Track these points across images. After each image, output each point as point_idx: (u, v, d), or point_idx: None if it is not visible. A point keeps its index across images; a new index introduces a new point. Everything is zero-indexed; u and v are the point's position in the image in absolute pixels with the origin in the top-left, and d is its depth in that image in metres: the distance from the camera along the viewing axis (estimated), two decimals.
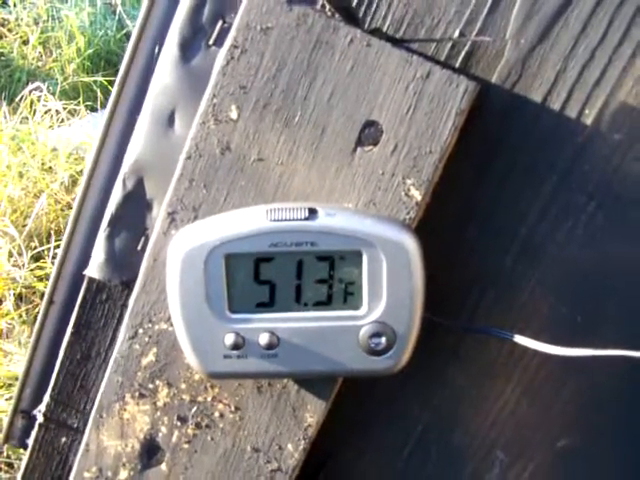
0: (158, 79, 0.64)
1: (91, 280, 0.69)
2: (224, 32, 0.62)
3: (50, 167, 2.12)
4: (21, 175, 2.03)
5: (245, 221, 0.53)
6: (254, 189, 0.57)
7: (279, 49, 0.54)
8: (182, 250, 0.53)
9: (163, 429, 0.62)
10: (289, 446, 0.61)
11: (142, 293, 0.60)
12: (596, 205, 0.61)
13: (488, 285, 0.63)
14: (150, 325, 0.60)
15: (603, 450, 0.68)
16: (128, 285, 0.67)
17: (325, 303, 0.55)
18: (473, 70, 0.60)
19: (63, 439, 0.73)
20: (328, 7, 0.57)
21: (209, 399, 0.61)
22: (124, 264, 0.67)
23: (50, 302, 0.76)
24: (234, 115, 0.56)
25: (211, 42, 0.63)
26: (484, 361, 0.66)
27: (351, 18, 0.58)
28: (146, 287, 0.59)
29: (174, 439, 0.62)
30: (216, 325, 0.54)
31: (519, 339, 0.57)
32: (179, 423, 0.62)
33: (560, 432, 0.68)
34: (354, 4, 0.59)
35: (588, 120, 0.60)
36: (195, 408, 0.61)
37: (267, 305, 0.55)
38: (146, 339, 0.60)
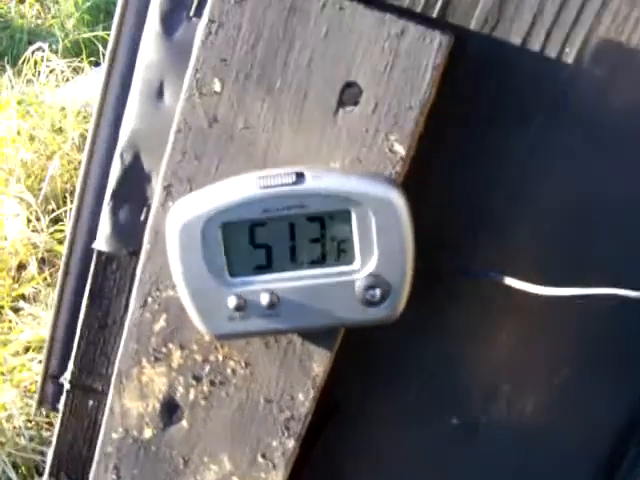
0: (143, 55, 0.65)
1: (100, 253, 0.72)
2: (203, 2, 0.63)
3: (60, 127, 2.13)
4: (32, 138, 2.06)
5: (237, 190, 0.55)
6: (244, 157, 0.59)
7: (255, 19, 0.55)
8: (179, 222, 0.56)
9: (180, 388, 0.66)
10: (300, 395, 0.65)
11: (147, 263, 0.62)
12: (582, 142, 0.62)
13: (481, 230, 0.65)
14: (158, 293, 0.63)
15: (597, 384, 0.71)
16: (136, 254, 0.70)
17: (320, 261, 0.57)
18: (450, 19, 0.60)
19: (90, 402, 0.78)
20: None
21: (220, 358, 0.64)
22: (129, 235, 0.70)
23: (66, 273, 0.79)
24: (218, 88, 0.57)
25: (192, 14, 0.64)
26: (482, 304, 0.68)
27: None
28: (151, 258, 0.62)
29: (191, 397, 0.66)
30: (218, 290, 0.57)
31: (511, 281, 0.59)
32: (194, 382, 0.65)
33: (556, 369, 0.71)
34: None
35: (569, 58, 0.60)
36: (208, 367, 0.65)
37: (265, 267, 0.57)
38: (155, 307, 0.63)
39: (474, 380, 0.72)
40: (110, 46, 0.67)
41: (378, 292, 0.57)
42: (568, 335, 0.69)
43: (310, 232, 0.56)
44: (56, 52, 2.49)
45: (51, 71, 2.35)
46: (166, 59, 0.64)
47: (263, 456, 0.67)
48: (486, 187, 0.64)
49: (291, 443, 0.66)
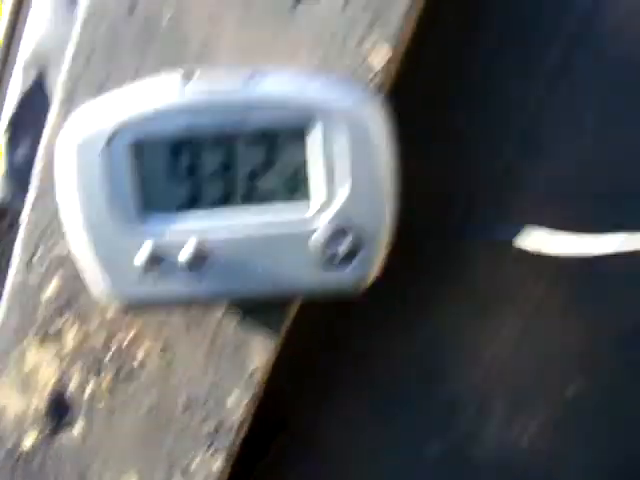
0: None
1: None
2: None
3: None
4: None
5: (153, 95, 0.40)
6: (173, 57, 0.43)
7: None
8: (75, 140, 0.40)
9: (74, 380, 0.49)
10: (231, 398, 0.48)
11: (33, 211, 0.47)
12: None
13: (481, 187, 0.50)
14: (48, 249, 0.47)
15: (619, 397, 0.56)
16: None
17: (265, 200, 0.42)
18: None
19: None
20: None
21: (128, 339, 0.48)
22: (30, 179, 0.54)
23: None
24: None
25: None
26: (478, 284, 0.53)
27: None
28: (38, 202, 0.46)
29: (87, 393, 0.49)
30: (125, 238, 0.41)
31: (525, 241, 0.44)
32: (93, 372, 0.49)
33: (570, 377, 0.55)
34: None
35: None
36: (111, 352, 0.48)
37: (189, 207, 0.42)
38: (43, 268, 0.47)
39: (462, 393, 0.56)
40: None
41: (345, 246, 0.41)
42: (582, 335, 0.53)
43: (253, 157, 0.41)
44: None
45: None
46: None
47: (183, 473, 0.50)
48: (489, 130, 0.49)
49: (217, 463, 0.50)
